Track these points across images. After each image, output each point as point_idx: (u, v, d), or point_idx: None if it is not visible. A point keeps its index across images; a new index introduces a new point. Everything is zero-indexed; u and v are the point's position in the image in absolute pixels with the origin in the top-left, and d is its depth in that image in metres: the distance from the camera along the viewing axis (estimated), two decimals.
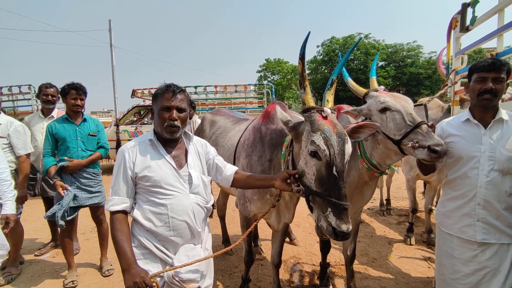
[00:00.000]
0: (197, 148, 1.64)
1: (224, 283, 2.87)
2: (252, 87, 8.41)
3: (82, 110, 2.92)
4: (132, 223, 1.51)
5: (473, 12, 2.33)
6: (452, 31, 2.68)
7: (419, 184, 5.01)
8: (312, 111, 1.46)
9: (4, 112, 6.74)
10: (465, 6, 2.40)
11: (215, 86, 8.11)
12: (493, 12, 2.12)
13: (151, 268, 1.42)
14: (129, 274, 1.31)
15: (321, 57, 32.53)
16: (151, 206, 1.44)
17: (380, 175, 2.09)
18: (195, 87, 8.05)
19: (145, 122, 8.13)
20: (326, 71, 32.27)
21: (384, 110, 1.84)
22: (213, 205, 3.67)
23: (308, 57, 36.07)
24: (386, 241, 3.78)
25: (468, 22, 2.40)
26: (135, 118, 8.27)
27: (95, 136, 2.92)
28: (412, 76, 29.24)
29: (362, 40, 30.21)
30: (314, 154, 1.37)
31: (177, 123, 1.47)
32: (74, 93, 2.77)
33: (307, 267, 3.15)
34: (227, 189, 2.87)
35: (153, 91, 8.06)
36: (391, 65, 30.85)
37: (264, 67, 35.54)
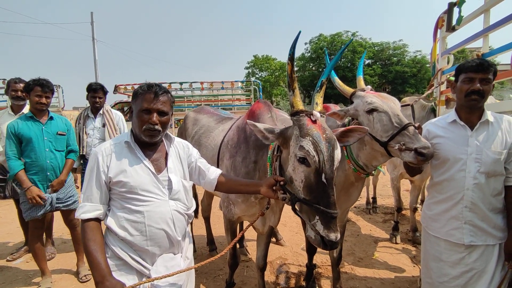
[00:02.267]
0: (179, 150, 1.54)
1: (208, 286, 2.80)
2: (239, 84, 8.31)
3: (48, 109, 2.73)
4: (105, 232, 1.40)
5: (460, 12, 2.32)
6: (439, 30, 2.67)
7: (405, 182, 5.06)
8: (301, 114, 1.39)
9: None
10: (451, 6, 2.39)
11: (201, 83, 7.93)
12: (479, 12, 2.11)
13: (126, 280, 1.31)
14: (103, 287, 1.21)
15: (309, 54, 32.63)
16: (126, 213, 1.34)
17: (367, 176, 2.06)
18: (181, 83, 7.85)
19: (128, 119, 7.89)
20: (313, 68, 32.41)
21: (371, 111, 1.79)
22: (197, 207, 3.61)
23: (296, 54, 36.18)
24: (372, 240, 3.79)
25: (454, 22, 2.38)
26: None
27: (64, 135, 2.75)
28: (398, 74, 29.76)
29: (349, 38, 30.48)
30: (303, 160, 1.30)
31: (158, 127, 1.36)
32: (39, 90, 2.57)
33: (294, 268, 3.11)
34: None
35: (136, 87, 7.88)
36: (377, 63, 31.29)
37: (252, 64, 35.35)
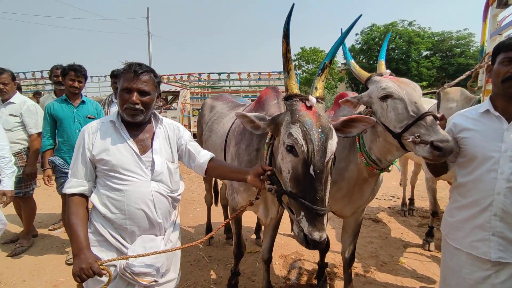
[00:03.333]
0: (167, 132, 1.52)
1: (218, 273, 2.80)
2: (277, 75, 8.15)
3: (81, 92, 2.94)
4: (91, 208, 1.45)
5: None
6: (490, 8, 2.27)
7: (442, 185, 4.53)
8: (294, 99, 1.28)
9: (40, 94, 7.16)
10: None
11: (239, 73, 7.96)
12: None
13: (105, 256, 1.34)
14: (78, 259, 1.25)
15: (359, 46, 30.87)
16: (108, 191, 1.36)
17: (381, 172, 1.84)
18: (219, 74, 7.97)
19: (171, 108, 8.28)
20: (364, 60, 30.55)
21: (385, 97, 1.58)
22: (216, 194, 3.63)
23: (347, 45, 34.62)
24: (401, 244, 3.47)
25: None
26: (161, 103, 8.45)
27: (94, 118, 2.93)
28: (460, 67, 26.61)
29: (405, 28, 28.10)
30: (291, 149, 1.20)
31: (139, 106, 1.36)
32: (72, 74, 2.78)
33: (308, 264, 2.97)
34: None
35: (178, 77, 8.19)
36: (436, 54, 28.40)
37: (299, 56, 34.59)
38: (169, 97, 8.86)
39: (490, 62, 1.42)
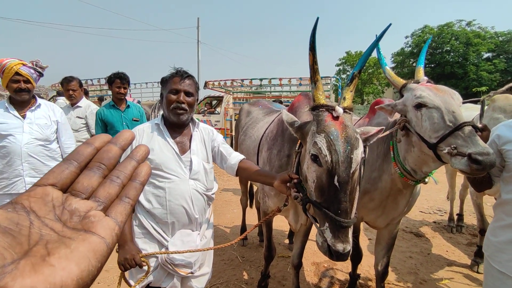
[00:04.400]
0: (203, 135, 1.66)
1: (250, 274, 2.88)
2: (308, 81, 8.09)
3: (126, 98, 3.26)
4: (137, 203, 1.62)
5: None
6: None
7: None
8: (321, 109, 1.31)
9: (103, 99, 7.93)
10: None
11: (280, 79, 8.04)
12: None
13: (148, 247, 1.50)
14: (122, 250, 1.42)
15: (410, 48, 29.12)
16: (152, 188, 1.52)
17: (416, 183, 1.77)
18: (260, 79, 8.14)
19: (215, 112, 8.64)
20: (414, 64, 28.73)
21: (420, 106, 1.54)
22: (251, 197, 3.72)
23: (395, 49, 32.85)
24: (445, 262, 3.23)
25: None
26: (206, 108, 8.88)
27: (138, 121, 3.24)
28: None
29: (463, 28, 25.87)
30: (315, 159, 1.22)
31: (184, 106, 1.51)
32: (118, 82, 3.11)
33: (341, 274, 2.92)
34: None
35: (222, 83, 8.53)
36: (500, 57, 25.62)
37: (343, 60, 33.69)
38: (214, 102, 9.26)
39: None
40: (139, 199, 1.54)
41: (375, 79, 30.45)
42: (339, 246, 1.12)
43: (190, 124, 1.65)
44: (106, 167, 0.35)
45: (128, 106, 3.24)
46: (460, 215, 4.17)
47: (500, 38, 25.69)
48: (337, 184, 1.16)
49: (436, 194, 5.67)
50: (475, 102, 1.75)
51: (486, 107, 2.88)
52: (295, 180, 1.35)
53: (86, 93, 4.32)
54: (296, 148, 1.55)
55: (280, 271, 2.93)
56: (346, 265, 3.08)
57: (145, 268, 1.43)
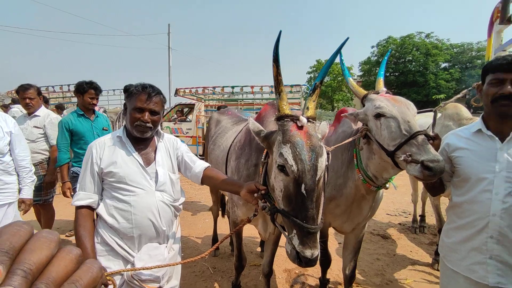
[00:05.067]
0: (167, 145, 1.64)
1: (222, 285, 2.83)
2: (288, 88, 8.23)
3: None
4: (97, 219, 1.54)
5: None
6: (494, 24, 2.27)
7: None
8: (286, 119, 1.33)
9: (63, 107, 7.51)
10: None
11: (252, 86, 8.11)
12: None
13: (112, 265, 1.43)
14: None
15: (376, 58, 30.66)
16: (115, 202, 1.46)
17: (378, 189, 1.85)
18: (232, 87, 8.15)
19: (187, 120, 8.49)
20: None
21: (379, 116, 1.62)
22: (223, 207, 3.68)
23: (362, 58, 34.30)
24: (409, 262, 3.38)
25: (510, 12, 2.00)
26: (177, 116, 8.70)
27: (107, 130, 3.11)
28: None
29: (422, 40, 27.75)
30: (282, 169, 1.25)
31: (149, 124, 1.48)
32: (93, 92, 2.99)
33: (312, 280, 2.95)
34: None
35: (194, 90, 8.42)
36: (456, 66, 27.77)
37: (314, 68, 34.70)
38: (185, 110, 9.11)
39: (480, 82, 1.43)
40: (101, 215, 1.47)
41: (345, 86, 31.61)
42: (308, 252, 1.14)
43: (155, 135, 1.62)
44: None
45: (97, 116, 3.13)
46: (423, 216, 4.41)
47: (454, 49, 27.86)
48: (304, 192, 1.19)
49: (402, 197, 5.95)
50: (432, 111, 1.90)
51: (439, 115, 3.11)
52: (263, 191, 1.36)
53: (46, 101, 4.07)
54: (263, 159, 1.56)
55: (252, 280, 2.91)
56: (317, 270, 3.12)
57: (111, 287, 1.36)
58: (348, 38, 1.45)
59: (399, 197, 6.05)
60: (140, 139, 1.54)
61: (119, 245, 1.45)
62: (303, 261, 1.16)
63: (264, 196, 1.37)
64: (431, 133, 1.52)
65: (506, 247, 1.33)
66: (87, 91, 2.99)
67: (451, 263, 1.52)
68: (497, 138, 1.37)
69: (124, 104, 1.57)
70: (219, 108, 6.47)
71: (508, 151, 1.34)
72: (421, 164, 1.37)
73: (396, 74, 28.24)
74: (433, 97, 23.07)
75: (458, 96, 2.00)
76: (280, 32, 1.34)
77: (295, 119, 1.32)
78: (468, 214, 1.44)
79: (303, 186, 1.19)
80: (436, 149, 1.48)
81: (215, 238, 3.50)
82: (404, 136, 1.49)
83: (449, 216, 1.58)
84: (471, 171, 1.42)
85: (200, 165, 1.64)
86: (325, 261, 2.49)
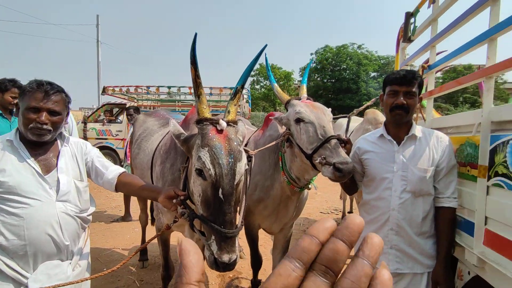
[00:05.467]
0: (74, 150, 1.48)
1: None
2: (228, 91, 8.25)
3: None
4: None
5: (414, 21, 2.22)
6: (400, 41, 2.56)
7: None
8: (205, 123, 1.30)
9: None
10: (408, 16, 2.29)
11: (190, 87, 7.90)
12: (428, 23, 2.00)
13: None
14: None
15: (314, 65, 32.62)
16: (3, 216, 1.26)
17: (301, 190, 1.93)
18: (169, 87, 7.84)
19: (117, 121, 7.88)
20: (318, 79, 32.33)
21: (299, 120, 1.69)
22: (152, 212, 3.49)
23: (302, 64, 36.22)
24: None
25: (410, 33, 2.28)
26: (105, 116, 8.01)
27: None
28: None
29: (355, 50, 30.45)
30: (200, 173, 1.22)
31: (47, 126, 1.31)
32: (16, 91, 2.60)
33: (245, 283, 2.97)
34: None
35: (125, 89, 7.89)
36: (383, 76, 31.05)
37: (257, 72, 35.48)
38: (115, 110, 8.45)
39: (382, 92, 1.59)
40: None
41: (286, 90, 32.98)
42: (225, 257, 1.14)
43: (58, 139, 1.45)
44: (334, 274, 0.28)
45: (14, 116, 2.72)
46: (350, 213, 4.79)
47: (382, 61, 31.12)
48: (221, 196, 1.18)
49: (334, 195, 6.38)
50: (346, 117, 2.08)
51: (362, 120, 3.43)
52: (182, 197, 1.32)
53: None
54: (184, 163, 1.51)
55: None
56: (251, 273, 3.15)
57: None
58: (266, 45, 1.49)
59: (332, 195, 6.48)
60: (38, 143, 1.36)
61: (8, 266, 1.25)
62: (221, 266, 1.16)
63: (183, 202, 1.32)
64: (344, 137, 1.64)
65: (403, 237, 1.50)
66: (9, 90, 2.59)
67: None
68: (395, 142, 1.54)
69: (16, 104, 1.37)
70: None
71: (403, 153, 1.51)
72: (333, 166, 1.47)
73: (333, 81, 30.39)
74: (364, 103, 25.51)
75: (368, 103, 2.22)
76: (196, 34, 1.31)
77: (214, 122, 1.31)
78: (374, 210, 1.59)
79: (220, 190, 1.18)
80: (348, 152, 1.60)
81: (144, 249, 3.28)
82: (320, 140, 1.58)
83: (360, 213, 1.73)
84: (376, 171, 1.56)
85: (113, 171, 1.52)
86: (256, 263, 2.51)
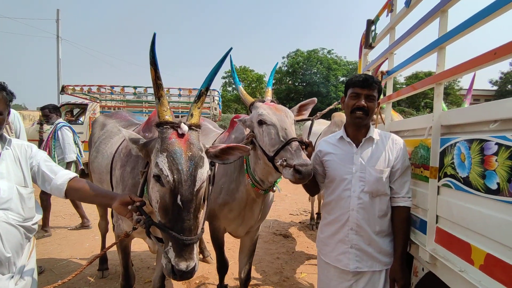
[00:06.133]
0: (17, 153, 1.36)
1: None
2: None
3: None
4: None
5: (374, 29, 2.31)
6: (362, 48, 2.65)
7: None
8: (165, 126, 1.25)
9: None
10: (369, 23, 2.38)
11: None
12: (387, 30, 2.09)
13: None
14: None
15: (286, 68, 33.19)
16: None
17: (265, 192, 1.93)
18: (135, 87, 7.55)
19: (78, 121, 7.43)
20: (290, 82, 32.91)
21: (261, 122, 1.69)
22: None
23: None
24: (306, 257, 3.67)
25: (370, 40, 2.36)
26: (65, 117, 7.54)
27: None
28: None
29: (325, 55, 31.39)
30: (158, 179, 1.17)
31: None
32: None
33: (212, 287, 2.90)
34: None
35: (86, 88, 7.46)
36: None
37: (229, 74, 35.39)
38: (75, 110, 7.98)
39: (344, 95, 1.63)
40: None
41: (258, 93, 33.19)
42: (182, 265, 1.10)
43: None
44: None
45: None
46: (318, 214, 4.87)
47: (350, 66, 32.30)
48: (180, 203, 1.14)
49: (304, 197, 6.47)
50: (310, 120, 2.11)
51: (330, 123, 3.52)
52: (137, 203, 1.26)
53: None
54: (143, 168, 1.45)
55: None
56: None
57: None
58: (231, 48, 1.47)
59: (301, 197, 6.58)
60: None
61: None
62: (177, 274, 1.12)
63: (139, 208, 1.26)
64: (305, 140, 1.66)
65: (362, 237, 1.54)
66: None
67: (324, 255, 1.68)
68: (354, 144, 1.58)
69: None
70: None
71: (361, 154, 1.55)
72: (293, 168, 1.47)
73: (304, 84, 31.08)
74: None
75: (331, 107, 2.27)
76: (155, 34, 1.26)
77: (175, 126, 1.26)
78: (335, 211, 1.61)
79: (179, 197, 1.14)
80: (309, 155, 1.62)
81: (104, 258, 3.07)
82: (281, 142, 1.58)
83: (322, 213, 1.75)
84: (336, 173, 1.59)
85: (63, 176, 1.41)
86: (222, 267, 2.46)
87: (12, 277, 1.27)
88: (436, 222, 1.37)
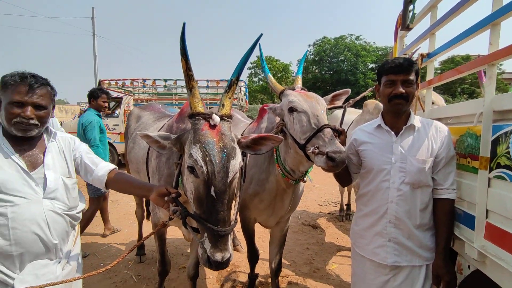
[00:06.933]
0: (62, 145, 1.43)
1: None
2: (225, 83, 8.12)
3: None
4: None
5: (413, 9, 2.15)
6: (398, 30, 2.49)
7: None
8: (197, 117, 1.25)
9: None
10: (407, 2, 2.21)
11: None
12: (427, 9, 1.93)
13: None
14: None
15: (312, 56, 32.36)
16: None
17: (296, 183, 1.89)
18: (165, 80, 7.74)
19: (114, 114, 7.79)
20: (316, 71, 32.11)
21: (292, 110, 1.65)
22: (149, 206, 3.45)
23: (301, 56, 35.90)
24: (336, 248, 3.61)
25: (409, 20, 2.21)
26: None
27: None
28: None
29: (353, 41, 30.16)
30: (192, 170, 1.18)
31: (34, 121, 1.26)
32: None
33: (243, 276, 2.95)
34: None
35: (120, 82, 7.77)
36: None
37: (255, 64, 35.21)
38: (112, 104, 8.37)
39: (377, 83, 1.54)
40: None
41: (284, 83, 32.76)
42: (218, 256, 1.12)
43: (44, 134, 1.39)
44: None
45: None
46: (348, 205, 4.77)
47: (380, 52, 30.82)
48: (214, 194, 1.14)
49: (333, 187, 6.36)
50: (341, 108, 2.01)
51: (361, 111, 3.38)
52: (173, 195, 1.28)
53: None
54: (177, 159, 1.47)
55: (181, 284, 2.78)
56: (249, 267, 3.14)
57: None
58: (262, 34, 1.42)
59: (330, 187, 6.47)
60: (23, 138, 1.30)
61: None
62: (214, 265, 1.14)
63: (175, 199, 1.28)
64: (339, 128, 1.59)
65: (401, 230, 1.46)
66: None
67: (359, 248, 1.63)
68: (392, 132, 1.49)
69: None
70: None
71: (401, 143, 1.46)
72: (326, 155, 1.42)
73: (331, 72, 30.19)
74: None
75: (364, 93, 2.16)
76: (184, 24, 1.25)
77: (207, 117, 1.26)
78: (372, 202, 1.55)
79: (212, 188, 1.15)
80: (343, 143, 1.55)
81: (141, 244, 3.25)
82: (313, 129, 1.53)
83: (357, 205, 1.69)
84: (374, 162, 1.52)
85: (103, 168, 1.47)
86: (253, 257, 2.49)
87: (59, 262, 1.35)
88: (486, 217, 1.26)
